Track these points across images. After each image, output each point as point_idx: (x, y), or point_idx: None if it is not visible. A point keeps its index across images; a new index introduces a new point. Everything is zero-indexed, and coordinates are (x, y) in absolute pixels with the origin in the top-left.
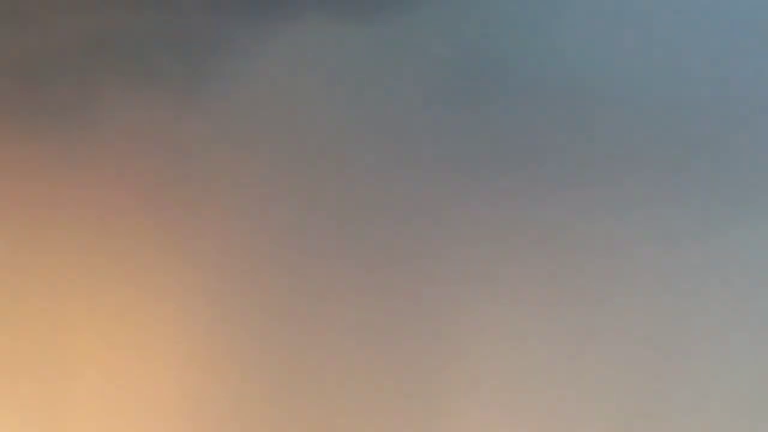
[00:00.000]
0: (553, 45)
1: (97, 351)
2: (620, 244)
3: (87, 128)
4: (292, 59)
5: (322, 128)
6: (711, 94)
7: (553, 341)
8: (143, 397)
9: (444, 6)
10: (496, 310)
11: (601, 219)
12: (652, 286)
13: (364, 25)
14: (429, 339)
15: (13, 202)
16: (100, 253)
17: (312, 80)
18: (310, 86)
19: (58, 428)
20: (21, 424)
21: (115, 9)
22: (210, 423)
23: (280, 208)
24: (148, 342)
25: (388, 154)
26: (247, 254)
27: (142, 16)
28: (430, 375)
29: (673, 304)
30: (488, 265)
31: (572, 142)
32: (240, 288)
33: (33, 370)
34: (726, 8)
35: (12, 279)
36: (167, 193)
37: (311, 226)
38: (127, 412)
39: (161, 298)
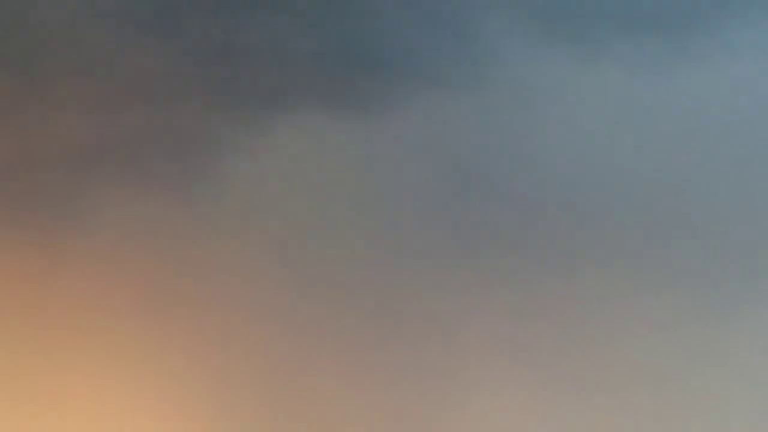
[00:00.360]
0: (544, 146)
1: None
2: (621, 329)
3: (81, 229)
4: (287, 157)
5: (317, 225)
6: (703, 200)
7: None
8: None
9: (439, 105)
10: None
11: (600, 304)
12: (649, 359)
13: (360, 124)
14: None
15: (7, 303)
16: (96, 350)
17: (306, 178)
18: (305, 184)
19: None
20: None
21: (108, 110)
22: None
23: (276, 305)
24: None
25: (384, 248)
26: (242, 349)
27: (137, 114)
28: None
29: (673, 387)
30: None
31: (569, 234)
32: (236, 382)
33: None
34: (715, 119)
35: (9, 384)
36: (161, 292)
37: (306, 324)
38: None
39: (159, 393)
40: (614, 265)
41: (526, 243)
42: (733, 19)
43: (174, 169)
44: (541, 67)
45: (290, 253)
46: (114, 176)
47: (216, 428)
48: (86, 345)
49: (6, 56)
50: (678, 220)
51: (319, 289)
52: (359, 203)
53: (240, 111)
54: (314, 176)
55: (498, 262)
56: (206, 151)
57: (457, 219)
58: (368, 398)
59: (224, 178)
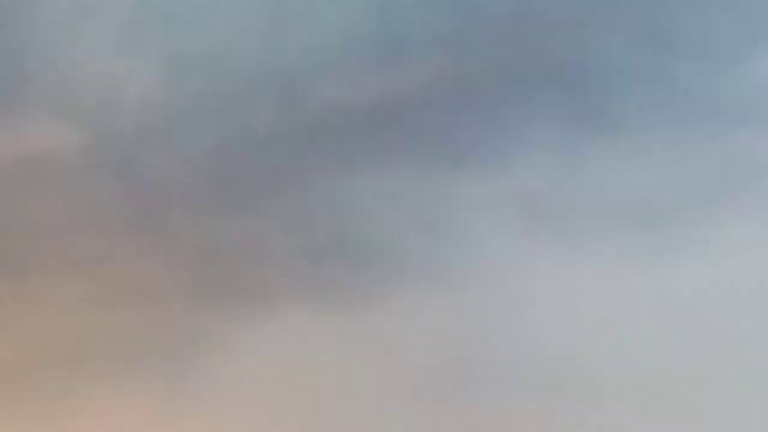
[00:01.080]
0: (528, 342)
1: None
2: None
3: (70, 428)
4: (274, 354)
5: (303, 421)
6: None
7: None
8: None
9: (420, 302)
10: None
11: None
12: None
13: (346, 321)
14: None
15: None
16: None
17: (293, 376)
18: (291, 381)
19: None
20: None
21: (94, 309)
22: None
23: None
24: None
25: None
26: None
27: (122, 313)
28: None
29: None
30: None
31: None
32: None
33: None
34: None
35: None
36: None
37: None
38: None
39: None
40: None
41: None
42: (725, 211)
43: (159, 366)
44: (526, 264)
45: None
46: (101, 375)
47: None
48: None
49: None
50: (667, 417)
51: None
52: (345, 400)
53: (227, 308)
54: (301, 373)
55: None
56: (193, 349)
57: (444, 414)
58: None
59: (211, 375)
